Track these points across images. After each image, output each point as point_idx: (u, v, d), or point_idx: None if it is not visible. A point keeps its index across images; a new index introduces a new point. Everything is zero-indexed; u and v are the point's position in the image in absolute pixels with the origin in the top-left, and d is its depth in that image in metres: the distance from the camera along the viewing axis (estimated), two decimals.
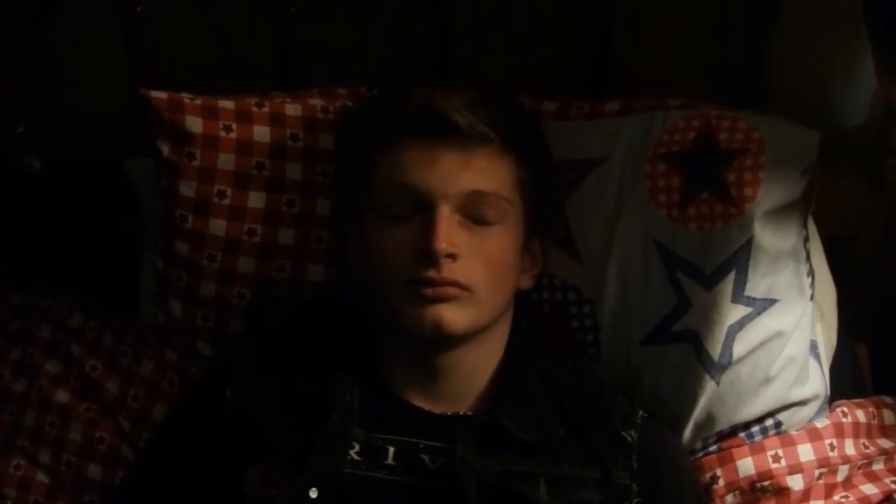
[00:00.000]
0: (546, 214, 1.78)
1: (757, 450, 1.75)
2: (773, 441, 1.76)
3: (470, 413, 1.67)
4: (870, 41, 1.72)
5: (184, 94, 1.84)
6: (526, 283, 1.75)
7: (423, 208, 1.62)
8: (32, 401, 1.88)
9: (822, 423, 1.79)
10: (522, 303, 1.78)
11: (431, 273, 1.59)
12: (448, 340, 1.63)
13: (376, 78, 1.89)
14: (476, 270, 1.62)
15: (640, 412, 1.69)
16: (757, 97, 1.90)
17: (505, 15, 1.97)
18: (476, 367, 1.68)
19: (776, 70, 1.89)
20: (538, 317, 1.82)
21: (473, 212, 1.63)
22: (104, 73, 2.04)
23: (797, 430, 1.78)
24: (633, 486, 1.62)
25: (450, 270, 1.60)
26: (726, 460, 1.74)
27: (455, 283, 1.60)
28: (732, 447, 1.75)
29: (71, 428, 1.85)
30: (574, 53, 1.94)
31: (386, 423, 1.62)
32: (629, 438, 1.65)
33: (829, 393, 1.83)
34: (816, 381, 1.81)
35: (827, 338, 1.89)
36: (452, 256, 1.60)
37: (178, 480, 1.65)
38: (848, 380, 1.91)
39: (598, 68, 1.94)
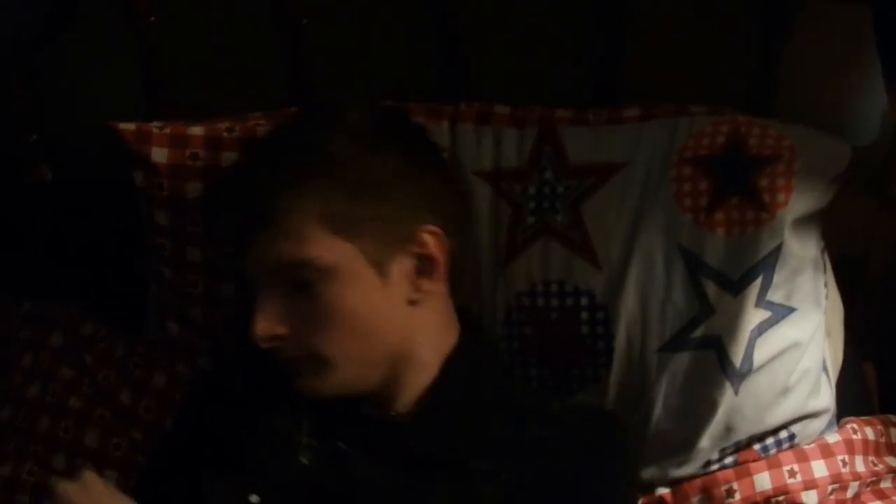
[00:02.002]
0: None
1: (773, 464, 1.71)
2: (788, 456, 1.72)
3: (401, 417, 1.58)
4: (880, 61, 1.75)
5: (154, 124, 1.81)
6: (425, 292, 1.55)
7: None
8: (46, 406, 1.84)
9: (833, 438, 1.76)
10: (528, 313, 1.74)
11: (274, 355, 1.54)
12: (333, 398, 1.55)
13: (387, 87, 1.84)
14: (315, 337, 1.51)
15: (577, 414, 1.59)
16: (767, 115, 1.84)
17: (513, 21, 1.94)
18: (399, 392, 1.57)
19: (786, 88, 1.87)
20: (545, 325, 1.75)
21: (289, 281, 1.51)
22: (115, 86, 2.01)
23: (808, 444, 1.74)
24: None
25: (284, 350, 1.52)
26: (743, 474, 1.70)
27: (295, 359, 1.53)
28: (749, 461, 1.72)
29: (86, 434, 1.82)
30: (583, 66, 1.91)
31: (337, 430, 1.56)
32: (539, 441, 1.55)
33: (836, 408, 1.79)
34: (827, 395, 1.77)
35: (833, 355, 1.84)
36: (280, 337, 1.51)
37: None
38: (855, 398, 1.88)
39: (608, 80, 1.91)
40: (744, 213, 1.70)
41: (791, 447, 1.74)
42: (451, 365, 1.58)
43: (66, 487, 1.44)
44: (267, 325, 1.51)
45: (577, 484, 1.51)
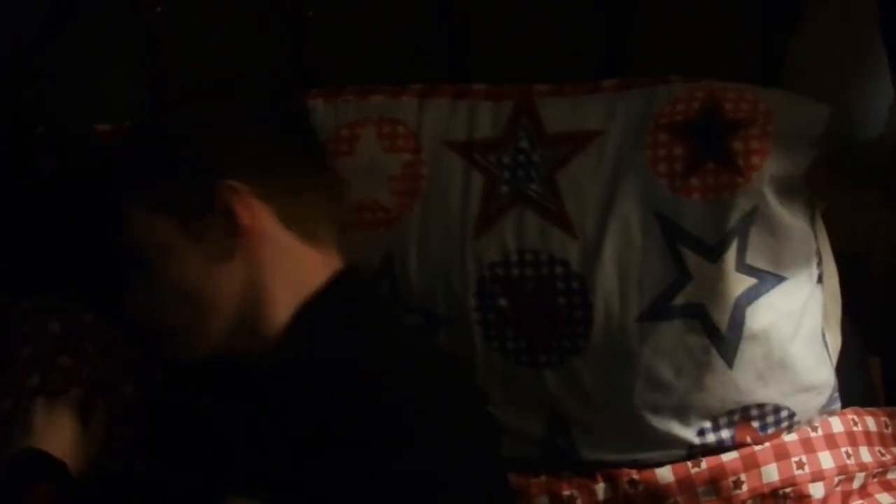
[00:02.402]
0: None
1: (781, 456, 1.69)
2: (796, 446, 1.71)
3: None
4: (887, 55, 1.74)
5: (127, 123, 1.85)
6: (244, 249, 1.59)
7: None
8: (47, 396, 1.79)
9: (837, 427, 1.74)
10: (502, 283, 1.71)
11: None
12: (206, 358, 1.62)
13: (391, 73, 1.86)
14: (159, 311, 1.61)
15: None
16: None
17: (514, 20, 1.91)
18: (256, 346, 1.58)
19: (790, 83, 1.84)
20: (520, 296, 1.71)
21: (138, 263, 1.62)
22: (119, 82, 1.99)
23: (808, 423, 1.73)
24: None
25: (158, 323, 1.62)
26: (750, 465, 1.68)
27: (162, 332, 1.63)
28: (746, 439, 1.70)
29: (91, 423, 1.77)
30: (584, 66, 1.89)
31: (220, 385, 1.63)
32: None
33: (836, 386, 1.77)
34: (826, 369, 1.75)
35: (832, 339, 1.81)
36: (149, 313, 1.62)
37: None
38: (860, 393, 1.85)
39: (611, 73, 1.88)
40: (719, 177, 1.67)
41: (790, 426, 1.72)
42: (299, 316, 1.59)
43: (38, 402, 1.67)
44: (133, 305, 1.63)
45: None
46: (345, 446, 1.40)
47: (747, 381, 1.68)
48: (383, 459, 1.41)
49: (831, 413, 1.77)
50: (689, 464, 1.71)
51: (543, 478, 1.74)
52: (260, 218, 1.59)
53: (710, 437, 1.70)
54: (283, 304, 1.59)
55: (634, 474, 1.71)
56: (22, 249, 2.02)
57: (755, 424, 1.71)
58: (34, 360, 1.86)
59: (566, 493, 1.72)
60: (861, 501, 1.74)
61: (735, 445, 1.71)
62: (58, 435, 1.66)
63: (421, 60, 1.93)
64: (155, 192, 1.60)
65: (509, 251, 1.71)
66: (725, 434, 1.70)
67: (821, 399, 1.74)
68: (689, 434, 1.70)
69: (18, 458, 1.60)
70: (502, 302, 1.71)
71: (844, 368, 1.82)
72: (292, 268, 1.60)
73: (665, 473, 1.71)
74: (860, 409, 1.80)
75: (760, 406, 1.70)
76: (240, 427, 1.48)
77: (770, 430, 1.71)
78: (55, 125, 2.00)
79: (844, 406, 1.80)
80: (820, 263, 1.76)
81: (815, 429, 1.75)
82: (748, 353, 1.67)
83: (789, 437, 1.73)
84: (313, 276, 1.61)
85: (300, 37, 1.91)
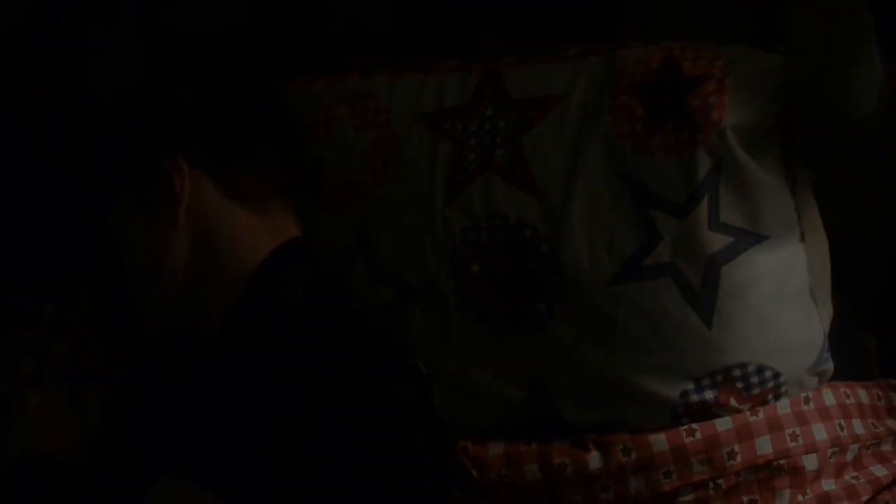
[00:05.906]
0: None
1: (775, 427, 1.66)
2: (789, 419, 1.67)
3: None
4: (876, 34, 1.73)
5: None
6: (185, 221, 1.63)
7: None
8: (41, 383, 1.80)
9: (829, 401, 1.72)
10: (473, 249, 1.71)
11: None
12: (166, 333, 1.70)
13: (388, 52, 1.88)
14: (128, 287, 1.69)
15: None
16: None
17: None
18: (211, 317, 1.61)
19: None
20: (492, 260, 1.71)
21: None
22: (119, 65, 2.01)
23: (798, 385, 1.70)
24: None
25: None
26: (744, 437, 1.65)
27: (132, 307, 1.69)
28: (730, 400, 1.67)
29: (86, 411, 1.78)
30: (584, 21, 1.92)
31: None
32: None
33: (826, 345, 1.74)
34: (813, 328, 1.72)
35: (823, 305, 1.77)
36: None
37: None
38: (855, 371, 1.82)
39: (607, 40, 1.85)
40: (680, 135, 1.65)
41: (777, 387, 1.70)
42: (248, 287, 1.60)
43: (32, 396, 1.73)
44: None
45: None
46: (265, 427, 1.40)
47: (727, 339, 1.65)
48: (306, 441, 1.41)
49: (824, 375, 1.75)
50: (684, 433, 1.68)
51: (534, 446, 1.72)
52: (200, 189, 1.62)
53: (694, 398, 1.67)
54: (232, 275, 1.61)
55: (627, 441, 1.69)
56: (20, 236, 2.02)
57: (739, 385, 1.67)
58: (29, 345, 1.85)
59: (557, 461, 1.69)
60: (855, 473, 1.72)
61: (719, 405, 1.68)
62: (53, 429, 1.69)
63: (418, 40, 1.97)
64: (115, 169, 1.67)
65: (478, 217, 1.70)
66: (709, 395, 1.67)
67: (807, 359, 1.71)
68: (672, 394, 1.67)
69: (17, 463, 1.63)
70: (474, 268, 1.70)
71: (839, 345, 1.79)
72: (238, 240, 1.63)
73: (659, 442, 1.68)
74: (853, 383, 1.77)
75: (743, 365, 1.66)
76: (183, 408, 1.50)
77: (755, 391, 1.68)
78: (54, 112, 2.00)
79: (839, 381, 1.77)
80: (800, 221, 1.73)
81: (807, 401, 1.72)
82: (726, 312, 1.64)
83: (782, 410, 1.70)
84: (262, 247, 1.63)
85: (298, 17, 1.91)
